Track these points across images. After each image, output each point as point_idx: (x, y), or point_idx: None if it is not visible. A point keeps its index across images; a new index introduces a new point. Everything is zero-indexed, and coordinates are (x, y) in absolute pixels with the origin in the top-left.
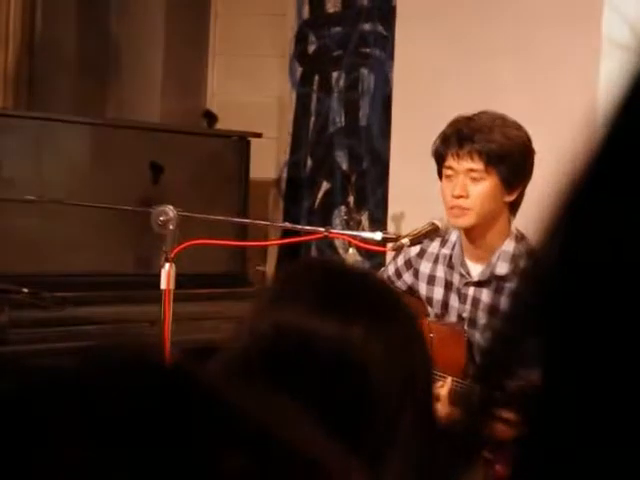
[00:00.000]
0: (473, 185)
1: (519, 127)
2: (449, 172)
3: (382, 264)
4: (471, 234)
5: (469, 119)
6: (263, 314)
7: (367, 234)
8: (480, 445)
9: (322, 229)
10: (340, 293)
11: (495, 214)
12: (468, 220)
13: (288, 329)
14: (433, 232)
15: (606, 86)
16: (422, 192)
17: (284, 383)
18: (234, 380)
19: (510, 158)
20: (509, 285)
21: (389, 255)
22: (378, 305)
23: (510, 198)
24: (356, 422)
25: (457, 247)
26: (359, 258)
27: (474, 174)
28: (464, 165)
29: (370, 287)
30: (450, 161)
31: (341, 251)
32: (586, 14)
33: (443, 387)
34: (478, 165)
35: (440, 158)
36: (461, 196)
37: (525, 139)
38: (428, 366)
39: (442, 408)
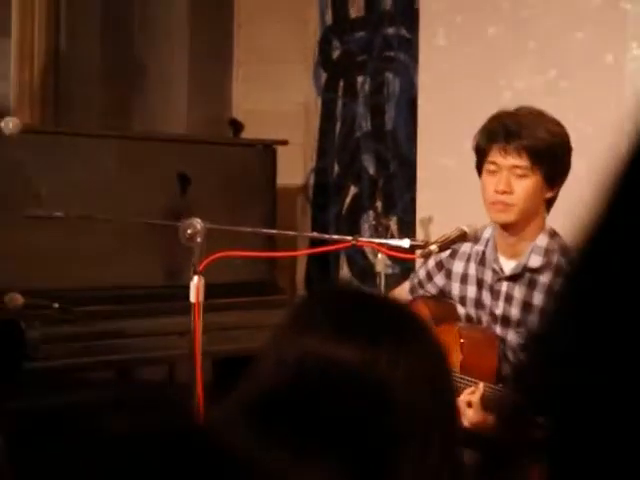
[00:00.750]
0: (517, 181)
1: (559, 123)
2: (492, 167)
3: (412, 269)
4: (509, 229)
5: (512, 114)
6: (286, 344)
7: (395, 241)
8: (517, 451)
9: (350, 238)
10: (360, 319)
11: (535, 210)
12: (511, 216)
13: (312, 359)
14: (461, 238)
15: (633, 92)
16: (450, 195)
17: (313, 417)
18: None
19: (554, 155)
20: (542, 278)
21: (418, 261)
22: (398, 329)
23: (550, 194)
24: (384, 451)
25: (490, 243)
26: (389, 263)
27: (519, 171)
28: (510, 161)
29: (389, 311)
30: (495, 156)
31: (370, 257)
32: (609, 17)
33: (475, 393)
34: (524, 162)
35: (483, 152)
36: (505, 192)
37: (566, 135)
38: (451, 385)
39: (475, 414)
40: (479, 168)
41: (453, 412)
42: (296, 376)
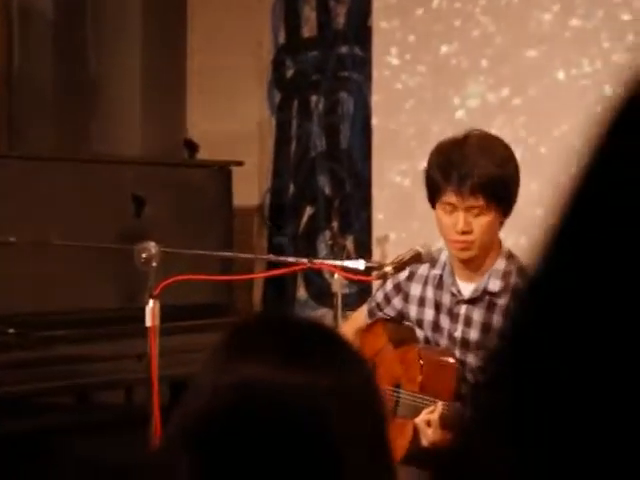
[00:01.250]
0: (475, 219)
1: (506, 146)
2: (449, 208)
3: (368, 289)
4: (469, 262)
5: (460, 148)
6: (224, 369)
7: (350, 263)
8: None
9: (305, 260)
10: (301, 346)
11: (492, 240)
12: (473, 252)
13: (254, 384)
14: (416, 259)
15: (585, 108)
16: (406, 214)
17: (253, 439)
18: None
19: (507, 188)
20: (501, 301)
21: (375, 281)
22: (338, 355)
23: (505, 220)
24: (323, 472)
25: (447, 267)
26: (345, 283)
27: (475, 210)
28: (466, 202)
29: (327, 338)
30: (450, 197)
31: (327, 277)
32: (560, 35)
33: (434, 412)
34: (480, 202)
35: (436, 189)
36: (465, 232)
37: (514, 159)
38: (383, 411)
39: (434, 433)
40: (432, 201)
41: (386, 434)
42: (232, 402)
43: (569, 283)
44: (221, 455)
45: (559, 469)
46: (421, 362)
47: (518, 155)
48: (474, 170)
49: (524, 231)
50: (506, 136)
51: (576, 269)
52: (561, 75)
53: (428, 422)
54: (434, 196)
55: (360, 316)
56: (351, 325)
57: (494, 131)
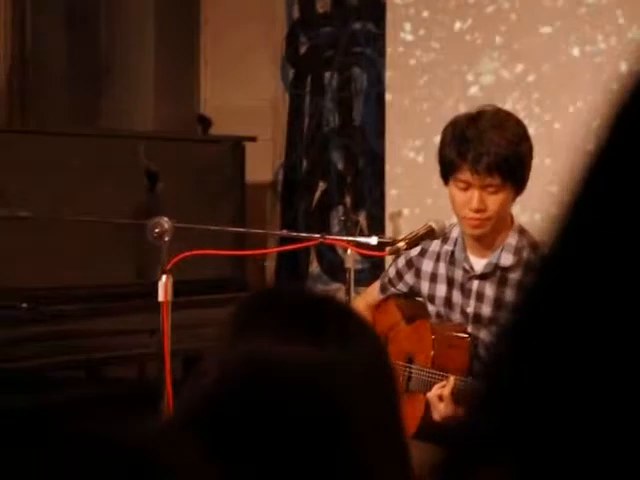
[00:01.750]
0: (490, 197)
1: (518, 121)
2: (463, 185)
3: (381, 265)
4: (482, 238)
5: (474, 125)
6: (230, 345)
7: (363, 239)
8: (484, 444)
9: (318, 235)
10: (306, 320)
11: (506, 216)
12: (486, 230)
13: (258, 360)
14: (429, 235)
15: (599, 85)
16: (419, 190)
17: (258, 416)
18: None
19: (522, 166)
20: (513, 276)
21: (388, 257)
22: (348, 329)
23: (517, 196)
24: (333, 449)
25: (459, 243)
26: (358, 259)
27: (491, 188)
28: (482, 181)
29: (337, 311)
30: (465, 175)
31: (340, 252)
32: (574, 11)
33: (445, 387)
34: (495, 180)
35: (451, 166)
36: (480, 210)
37: (527, 136)
38: (395, 385)
39: (446, 408)
40: (445, 177)
41: (398, 408)
42: (237, 379)
43: (583, 260)
44: (227, 433)
45: (563, 447)
46: (433, 337)
47: (532, 131)
48: (490, 148)
49: (538, 208)
50: (520, 112)
51: (591, 245)
52: (576, 52)
53: (440, 397)
54: (448, 172)
55: (373, 292)
56: (364, 300)
57: (508, 107)
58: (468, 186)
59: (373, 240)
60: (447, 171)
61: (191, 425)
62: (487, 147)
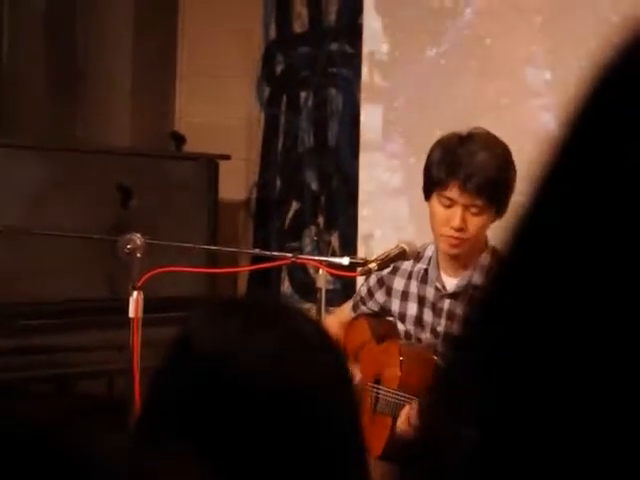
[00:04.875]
0: (471, 217)
1: (505, 146)
2: (447, 202)
3: (352, 285)
4: (457, 258)
5: (466, 143)
6: (197, 343)
7: (335, 259)
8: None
9: (290, 255)
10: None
11: (482, 237)
12: (463, 250)
13: (190, 335)
14: (401, 256)
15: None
16: (392, 212)
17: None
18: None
19: (508, 192)
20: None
21: (359, 278)
22: (309, 341)
23: (496, 220)
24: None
25: (433, 261)
26: (330, 279)
27: (474, 209)
28: (467, 200)
29: (300, 322)
30: (452, 193)
31: (312, 272)
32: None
33: (412, 409)
34: (481, 202)
35: (438, 183)
36: (461, 229)
37: (512, 161)
38: (355, 398)
39: (411, 430)
40: (427, 192)
41: (358, 417)
42: (171, 355)
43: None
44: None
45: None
46: (401, 358)
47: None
48: (480, 169)
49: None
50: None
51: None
52: (547, 76)
53: (409, 420)
54: (432, 189)
55: (345, 310)
56: (336, 318)
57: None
58: (452, 204)
59: (345, 260)
60: (432, 187)
61: (162, 428)
62: (478, 168)
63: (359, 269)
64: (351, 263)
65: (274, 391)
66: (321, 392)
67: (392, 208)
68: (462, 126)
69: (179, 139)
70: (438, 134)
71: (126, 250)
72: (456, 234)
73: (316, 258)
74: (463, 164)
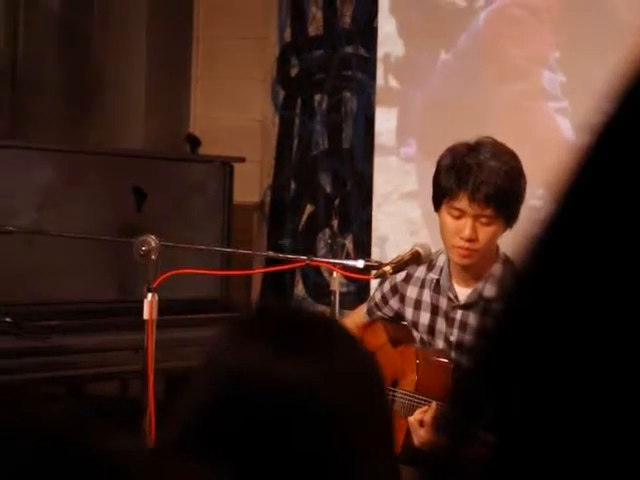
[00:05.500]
0: (482, 228)
1: (514, 155)
2: (456, 213)
3: (367, 288)
4: (468, 268)
5: (475, 153)
6: (222, 361)
7: (349, 262)
8: (460, 470)
9: (304, 257)
10: (300, 337)
11: (493, 247)
12: (474, 260)
13: (245, 374)
14: (415, 259)
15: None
16: (406, 215)
17: (253, 432)
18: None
19: (517, 201)
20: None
21: (373, 281)
22: (337, 347)
23: (507, 230)
24: (319, 465)
25: (445, 271)
26: (344, 282)
27: (484, 219)
28: (476, 210)
29: (328, 330)
30: (462, 203)
31: (326, 275)
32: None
33: (427, 412)
34: (490, 212)
35: (447, 193)
36: (471, 239)
37: (521, 169)
38: (386, 403)
39: (426, 433)
40: (437, 203)
41: (389, 422)
42: (224, 393)
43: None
44: (221, 447)
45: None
46: (417, 361)
47: None
48: (490, 178)
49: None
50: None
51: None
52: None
53: (421, 422)
54: (442, 199)
55: (359, 314)
56: (351, 320)
57: (489, 132)
58: (462, 215)
59: (359, 263)
60: (441, 198)
61: (186, 441)
62: (487, 177)
63: (373, 272)
64: (366, 266)
65: (320, 423)
66: (362, 424)
67: (406, 211)
68: (477, 129)
69: (194, 142)
70: (453, 137)
71: (141, 252)
72: (466, 245)
73: (330, 261)
74: (472, 174)
